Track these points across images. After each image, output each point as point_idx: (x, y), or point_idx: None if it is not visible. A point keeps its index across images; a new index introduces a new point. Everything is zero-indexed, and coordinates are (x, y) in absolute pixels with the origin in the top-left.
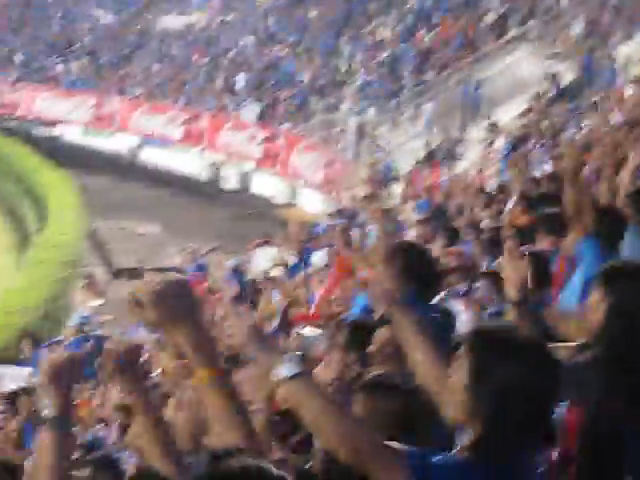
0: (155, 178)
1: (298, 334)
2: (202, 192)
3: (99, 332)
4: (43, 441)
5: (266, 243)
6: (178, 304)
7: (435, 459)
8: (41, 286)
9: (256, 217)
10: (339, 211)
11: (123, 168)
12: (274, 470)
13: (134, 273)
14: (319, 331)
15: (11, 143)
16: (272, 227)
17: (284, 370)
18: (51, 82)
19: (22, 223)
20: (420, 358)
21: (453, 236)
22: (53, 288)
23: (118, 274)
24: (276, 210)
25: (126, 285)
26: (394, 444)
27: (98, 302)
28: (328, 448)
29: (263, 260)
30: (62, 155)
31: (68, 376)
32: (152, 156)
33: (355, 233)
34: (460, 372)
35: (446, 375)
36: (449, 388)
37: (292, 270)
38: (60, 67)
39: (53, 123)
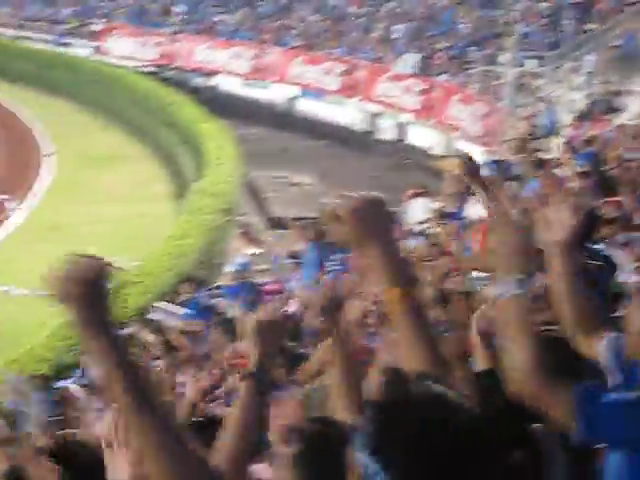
0: (311, 129)
1: (467, 278)
2: (358, 143)
3: (256, 280)
4: (240, 393)
5: (422, 194)
6: (374, 221)
7: (606, 397)
8: (198, 233)
9: (412, 168)
10: (493, 163)
11: (280, 118)
12: (455, 396)
13: (283, 223)
14: (487, 274)
15: (171, 93)
16: (428, 178)
17: (503, 286)
18: (210, 32)
19: (181, 172)
20: (568, 298)
21: (612, 188)
22: (210, 235)
23: (272, 223)
24: (432, 161)
25: (279, 236)
26: (565, 380)
27: (255, 250)
28: (514, 369)
29: (419, 211)
30: (220, 105)
31: (274, 336)
32: (309, 107)
33: (510, 186)
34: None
35: (587, 318)
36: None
37: (447, 221)
38: (219, 18)
39: (212, 73)
